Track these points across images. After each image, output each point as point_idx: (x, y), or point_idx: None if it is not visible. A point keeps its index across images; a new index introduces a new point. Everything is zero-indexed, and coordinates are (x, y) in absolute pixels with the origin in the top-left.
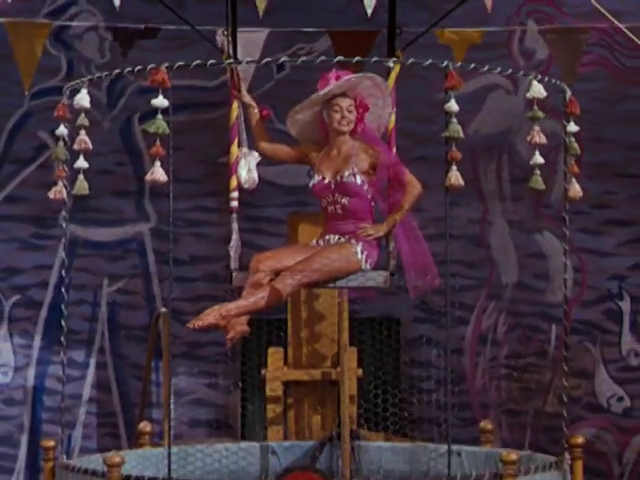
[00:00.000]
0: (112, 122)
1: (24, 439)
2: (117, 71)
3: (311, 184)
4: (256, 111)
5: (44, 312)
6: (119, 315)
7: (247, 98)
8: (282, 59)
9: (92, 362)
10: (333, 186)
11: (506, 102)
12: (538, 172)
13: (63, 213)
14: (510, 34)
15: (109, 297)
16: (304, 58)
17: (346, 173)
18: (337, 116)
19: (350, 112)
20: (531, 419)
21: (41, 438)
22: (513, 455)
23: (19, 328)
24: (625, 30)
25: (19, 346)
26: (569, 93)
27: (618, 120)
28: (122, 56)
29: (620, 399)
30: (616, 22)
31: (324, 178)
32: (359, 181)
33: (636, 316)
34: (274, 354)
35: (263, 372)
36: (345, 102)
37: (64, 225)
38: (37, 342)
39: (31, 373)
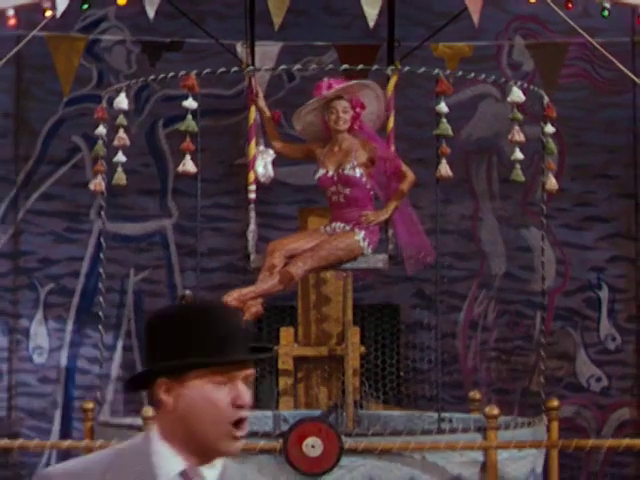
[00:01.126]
0: (138, 127)
1: (57, 414)
2: (153, 77)
3: (316, 177)
4: (269, 114)
5: (76, 299)
6: (144, 302)
7: (262, 102)
8: (295, 67)
9: (119, 344)
10: (336, 178)
11: (496, 109)
12: (518, 166)
13: (101, 202)
14: (499, 48)
15: (135, 286)
16: (314, 66)
17: (347, 166)
18: (333, 117)
19: (346, 112)
20: (518, 397)
21: (73, 413)
22: (495, 410)
23: (53, 313)
24: (596, 45)
25: (53, 330)
26: (547, 99)
27: (597, 126)
28: (151, 66)
29: (599, 379)
30: (589, 38)
31: (328, 171)
32: (359, 173)
33: (613, 304)
34: (286, 332)
35: (276, 349)
36: (340, 104)
37: (102, 214)
38: (69, 326)
39: (64, 354)
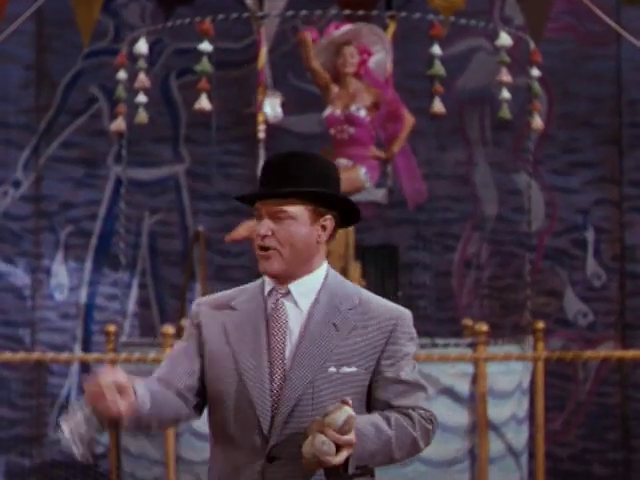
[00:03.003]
0: (152, 79)
1: (77, 348)
2: (170, 24)
3: (324, 115)
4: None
5: (94, 240)
6: (158, 243)
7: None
8: (302, 13)
9: (135, 282)
10: (342, 117)
11: (488, 61)
12: (505, 105)
13: (121, 146)
14: (491, 2)
15: (150, 227)
16: (319, 11)
17: (353, 107)
18: (341, 60)
19: (353, 57)
20: (509, 331)
21: (92, 347)
22: (484, 327)
23: (73, 254)
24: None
25: (73, 269)
26: (532, 45)
27: (583, 77)
28: (165, 20)
29: (585, 315)
30: None
31: (335, 110)
32: (363, 114)
33: (599, 244)
34: None
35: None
36: (348, 49)
37: (123, 154)
38: (88, 266)
39: (83, 292)
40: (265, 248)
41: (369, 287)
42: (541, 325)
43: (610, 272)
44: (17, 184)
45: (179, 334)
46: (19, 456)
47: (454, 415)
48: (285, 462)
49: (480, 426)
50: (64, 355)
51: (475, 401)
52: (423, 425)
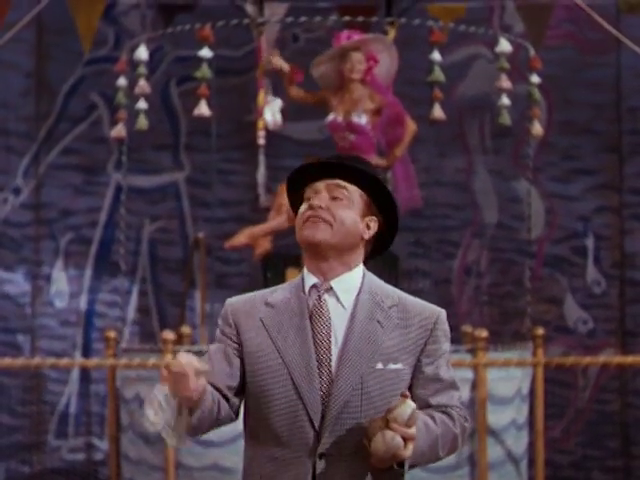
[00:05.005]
0: (153, 86)
1: (78, 355)
2: (170, 30)
3: (327, 121)
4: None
5: (94, 248)
6: (158, 250)
7: (279, 60)
8: (301, 19)
9: (135, 290)
10: (344, 124)
11: (488, 69)
12: (505, 111)
13: (120, 152)
14: (491, 10)
15: (150, 235)
16: (319, 18)
17: (355, 114)
18: (348, 66)
19: (360, 63)
20: (509, 339)
21: (92, 354)
22: (484, 332)
23: (73, 261)
24: (584, 7)
25: (73, 276)
26: (532, 51)
27: (583, 84)
28: (165, 27)
29: (585, 322)
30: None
31: (337, 117)
32: (364, 121)
33: (599, 252)
34: (291, 274)
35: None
36: (356, 56)
37: (123, 160)
38: (88, 273)
39: (83, 299)
40: (316, 217)
41: None
42: (541, 331)
43: (610, 279)
44: (17, 191)
45: (179, 340)
46: (19, 463)
47: None
48: (337, 458)
49: (480, 432)
50: (64, 360)
51: (475, 407)
52: (462, 423)
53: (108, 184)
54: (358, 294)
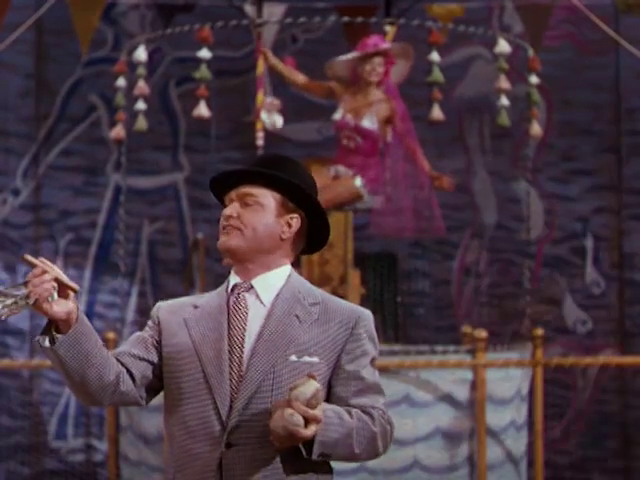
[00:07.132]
0: (152, 87)
1: None
2: (169, 31)
3: (335, 117)
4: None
5: (93, 249)
6: (157, 251)
7: (274, 60)
8: (300, 20)
9: (134, 291)
10: (353, 126)
11: (486, 70)
12: (504, 112)
13: (119, 153)
14: (490, 11)
15: (149, 235)
16: (318, 18)
17: (366, 118)
18: (368, 68)
19: (380, 66)
20: (508, 340)
21: None
22: (483, 333)
23: (72, 262)
24: (582, 7)
25: (72, 277)
26: (531, 52)
27: (583, 85)
28: (164, 28)
29: (584, 323)
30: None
31: (347, 116)
32: (374, 126)
33: (598, 252)
34: None
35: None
36: (377, 59)
37: (122, 161)
38: (87, 274)
39: (82, 300)
40: (229, 226)
41: (368, 294)
42: (540, 332)
43: (609, 280)
44: (16, 192)
45: None
46: (18, 464)
47: (453, 421)
48: (243, 448)
49: (479, 432)
50: None
51: (474, 407)
52: (383, 424)
53: (107, 185)
54: (279, 292)
